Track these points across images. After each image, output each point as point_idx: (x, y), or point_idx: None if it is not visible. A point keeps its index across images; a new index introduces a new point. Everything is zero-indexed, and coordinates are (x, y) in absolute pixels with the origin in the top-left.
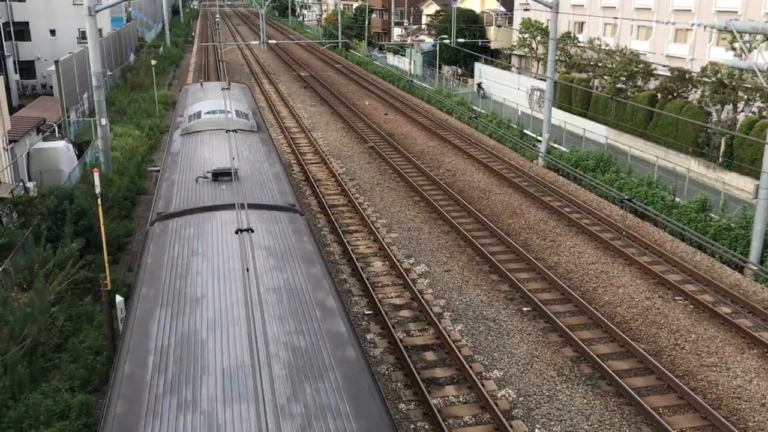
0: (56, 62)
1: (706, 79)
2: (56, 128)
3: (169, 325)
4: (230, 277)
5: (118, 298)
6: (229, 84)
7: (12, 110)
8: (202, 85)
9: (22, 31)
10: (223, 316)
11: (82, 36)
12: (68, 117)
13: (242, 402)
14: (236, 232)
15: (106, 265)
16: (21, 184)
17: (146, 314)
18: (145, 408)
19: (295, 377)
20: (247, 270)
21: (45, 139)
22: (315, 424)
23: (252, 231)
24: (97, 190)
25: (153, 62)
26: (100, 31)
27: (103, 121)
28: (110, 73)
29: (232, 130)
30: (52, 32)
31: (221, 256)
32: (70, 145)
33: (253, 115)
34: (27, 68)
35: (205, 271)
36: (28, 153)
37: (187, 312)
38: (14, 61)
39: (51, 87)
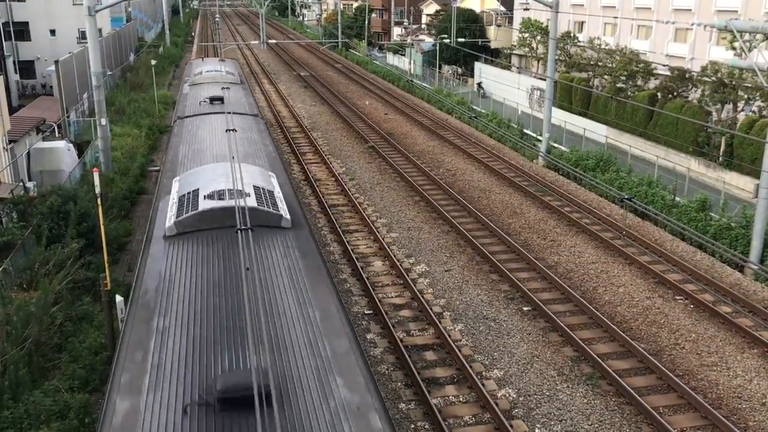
0: (56, 62)
1: (706, 79)
2: (56, 128)
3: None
4: (221, 158)
5: (118, 298)
6: (223, 59)
7: (12, 110)
8: (203, 59)
9: (22, 31)
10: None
11: (82, 36)
12: (68, 117)
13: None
14: (226, 131)
15: (106, 265)
16: (21, 184)
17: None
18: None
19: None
20: (233, 158)
21: (45, 139)
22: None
23: (236, 131)
24: (97, 190)
25: (153, 62)
26: (99, 31)
27: (103, 121)
28: (110, 73)
29: (223, 81)
30: (52, 32)
31: (217, 144)
32: (70, 145)
33: (239, 76)
34: (27, 68)
35: (207, 150)
36: (28, 153)
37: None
38: (14, 61)
39: (51, 87)
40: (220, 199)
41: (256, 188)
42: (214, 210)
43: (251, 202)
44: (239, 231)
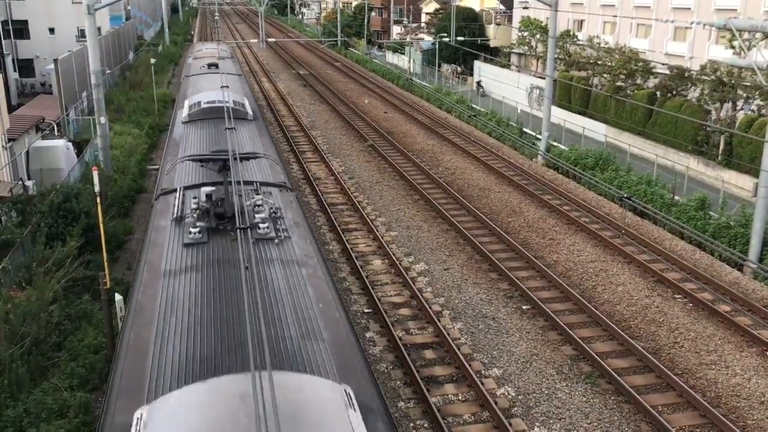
0: (55, 61)
1: (706, 78)
2: (55, 127)
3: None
4: (217, 103)
5: (117, 297)
6: (220, 41)
7: (11, 109)
8: (203, 42)
9: (21, 30)
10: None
11: (81, 34)
12: (67, 115)
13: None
14: (221, 87)
15: (105, 263)
16: (20, 182)
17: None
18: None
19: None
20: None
21: (44, 138)
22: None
23: (228, 87)
24: (97, 188)
25: (152, 61)
26: (99, 29)
27: (102, 120)
28: (109, 71)
29: (218, 56)
30: (51, 30)
31: (214, 92)
32: (70, 144)
33: (230, 53)
34: (26, 67)
35: (205, 89)
36: (27, 151)
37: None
38: (13, 60)
39: (50, 85)
40: (213, 103)
41: (234, 102)
42: (211, 107)
43: (231, 105)
44: (227, 125)
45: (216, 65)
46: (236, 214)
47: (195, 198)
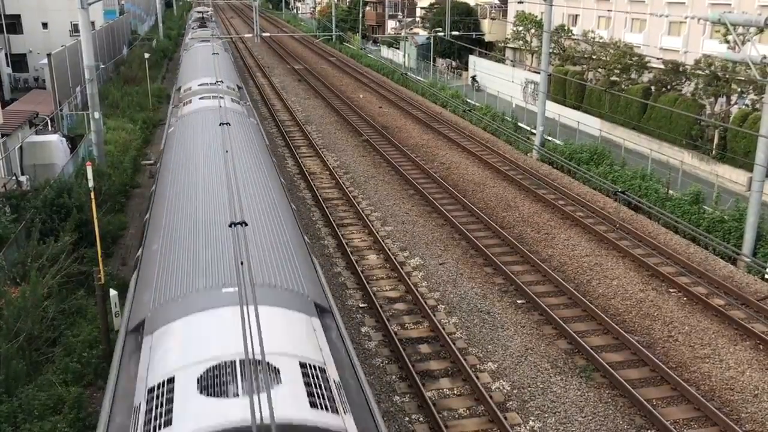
0: (49, 55)
1: (700, 72)
2: (49, 122)
3: None
4: (208, 58)
5: (112, 292)
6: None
7: (4, 104)
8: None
9: (13, 24)
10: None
11: (75, 29)
12: (61, 110)
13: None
14: (212, 54)
15: (100, 259)
16: (14, 178)
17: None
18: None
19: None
20: (215, 54)
21: (38, 133)
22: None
23: (212, 43)
24: (91, 183)
25: (146, 55)
26: (92, 24)
27: (96, 115)
28: (103, 66)
29: (207, 16)
30: (44, 25)
31: (205, 49)
32: (63, 139)
33: (215, 18)
34: (19, 61)
35: (201, 54)
36: (20, 147)
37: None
38: (6, 55)
39: (43, 80)
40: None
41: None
42: (202, 44)
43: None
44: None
45: (205, 25)
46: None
47: None
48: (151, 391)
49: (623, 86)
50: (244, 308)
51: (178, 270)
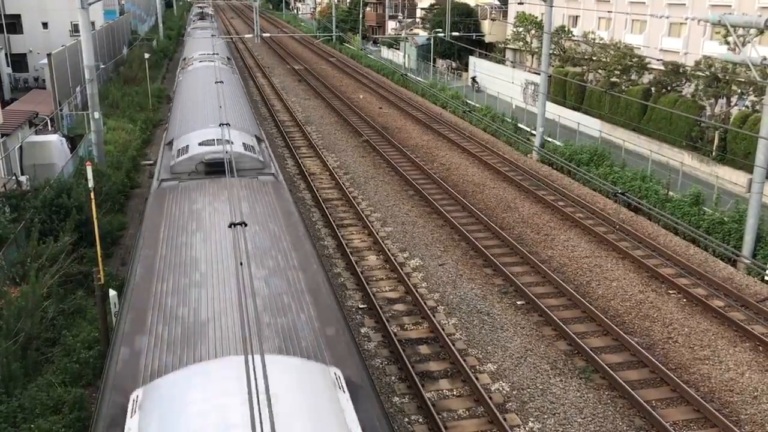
0: (49, 55)
1: (700, 73)
2: (49, 122)
3: None
4: (207, 40)
5: (112, 293)
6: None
7: (4, 104)
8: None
9: (14, 24)
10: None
11: (75, 29)
12: (61, 110)
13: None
14: (209, 40)
15: (99, 259)
16: (13, 177)
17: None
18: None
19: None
20: (212, 35)
21: (37, 133)
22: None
23: (208, 26)
24: (90, 183)
25: (146, 55)
26: (92, 24)
27: (96, 115)
28: (103, 66)
29: (207, 11)
30: (45, 25)
31: (204, 32)
32: (63, 139)
33: (213, 12)
34: (19, 61)
35: (199, 37)
36: (20, 147)
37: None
38: (6, 54)
39: (43, 80)
40: (204, 29)
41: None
42: (203, 38)
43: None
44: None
45: (204, 17)
46: None
47: None
48: None
49: (623, 87)
50: None
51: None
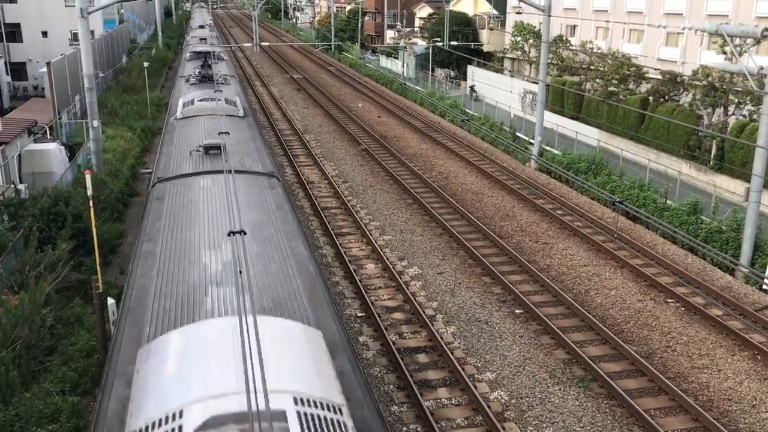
0: (48, 64)
1: (698, 83)
2: (48, 130)
3: None
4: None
5: (110, 301)
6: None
7: (3, 112)
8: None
9: (13, 33)
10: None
11: (74, 38)
12: (60, 119)
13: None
14: (204, 30)
15: (98, 267)
16: (12, 186)
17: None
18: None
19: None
20: (206, 26)
21: (36, 141)
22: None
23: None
24: (89, 192)
25: (145, 64)
26: (92, 32)
27: (95, 123)
28: (102, 74)
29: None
30: (44, 34)
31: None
32: (62, 147)
33: (211, 23)
34: (18, 70)
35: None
36: (19, 155)
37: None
38: (5, 63)
39: (43, 89)
40: (203, 41)
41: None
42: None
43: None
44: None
45: (203, 27)
46: None
47: None
48: None
49: (621, 96)
50: None
51: None
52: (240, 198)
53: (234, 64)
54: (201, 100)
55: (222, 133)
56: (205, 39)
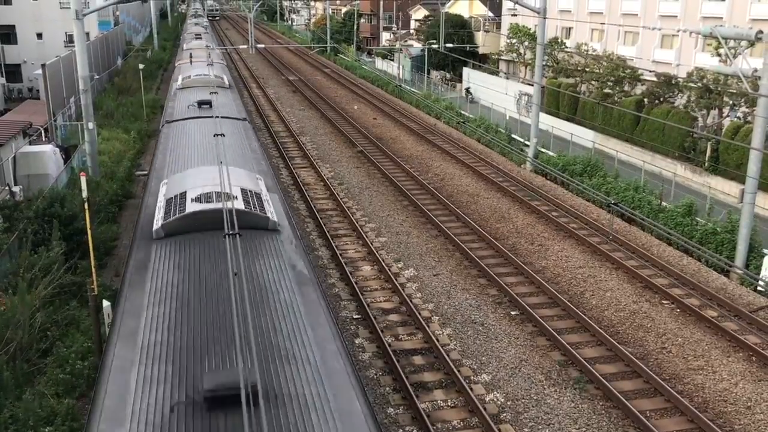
0: (43, 66)
1: (692, 85)
2: (43, 132)
3: None
4: (200, 24)
5: (105, 303)
6: (204, 13)
7: None
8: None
9: (8, 35)
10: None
11: (70, 39)
12: (55, 121)
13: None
14: (206, 21)
15: (93, 269)
16: (7, 188)
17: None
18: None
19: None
20: (204, 28)
21: (31, 143)
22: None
23: (202, 20)
24: (84, 194)
25: (141, 66)
26: (87, 34)
27: (90, 125)
28: (98, 77)
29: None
30: (39, 35)
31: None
32: (57, 150)
33: (209, 25)
34: (13, 72)
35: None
36: (14, 157)
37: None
38: (0, 65)
39: (38, 91)
40: (199, 38)
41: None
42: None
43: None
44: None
45: (200, 17)
46: None
47: None
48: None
49: (616, 98)
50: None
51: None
52: (224, 130)
53: (228, 66)
54: (196, 76)
55: (212, 93)
56: (200, 34)
